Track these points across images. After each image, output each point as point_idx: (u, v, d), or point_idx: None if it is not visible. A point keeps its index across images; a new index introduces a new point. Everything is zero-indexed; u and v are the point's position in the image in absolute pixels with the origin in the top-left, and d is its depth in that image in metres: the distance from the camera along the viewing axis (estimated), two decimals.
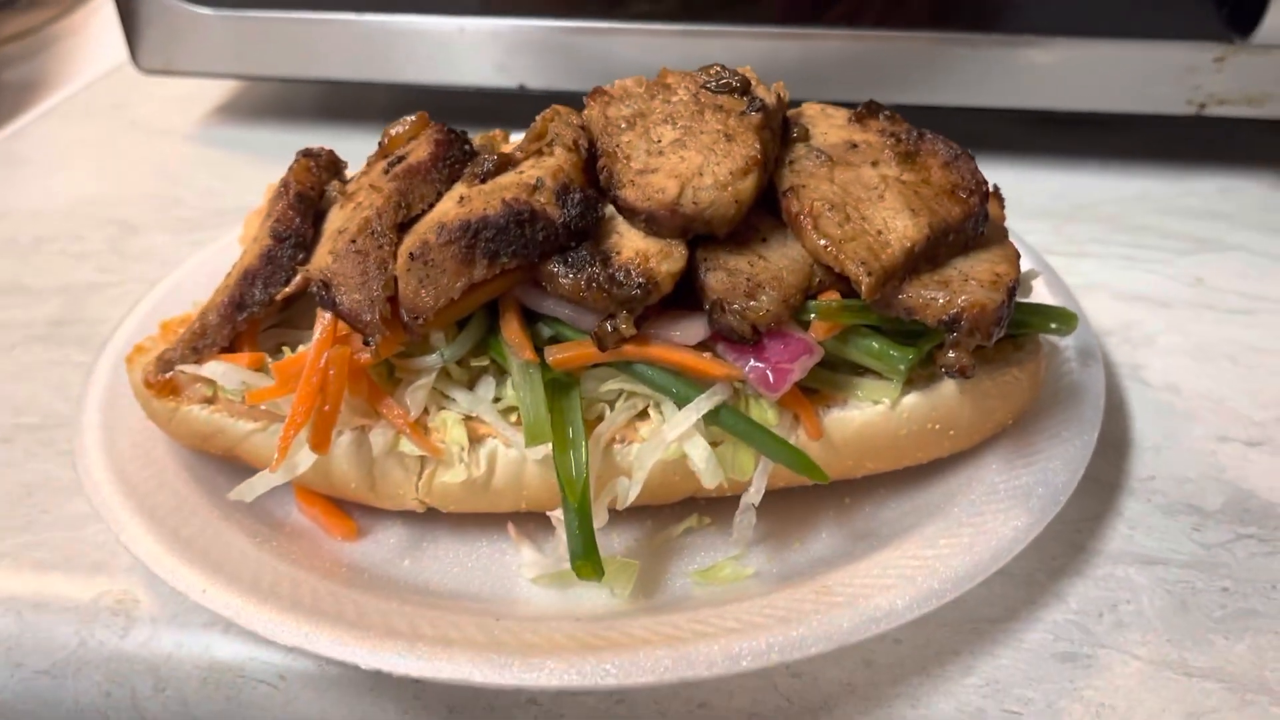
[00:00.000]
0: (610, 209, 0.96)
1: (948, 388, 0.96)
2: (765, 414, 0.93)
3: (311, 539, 0.99)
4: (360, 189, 1.01)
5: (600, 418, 0.96)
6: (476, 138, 1.09)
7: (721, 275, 0.92)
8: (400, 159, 1.00)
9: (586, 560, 0.88)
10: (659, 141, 0.97)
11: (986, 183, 0.98)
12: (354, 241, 0.94)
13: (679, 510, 1.02)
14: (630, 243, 0.93)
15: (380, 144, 1.05)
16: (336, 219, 1.00)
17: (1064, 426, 1.01)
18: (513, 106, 1.63)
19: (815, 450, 0.94)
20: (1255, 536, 0.99)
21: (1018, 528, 0.90)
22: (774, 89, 1.05)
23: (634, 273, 0.90)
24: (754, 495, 0.93)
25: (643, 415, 0.96)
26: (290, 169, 1.04)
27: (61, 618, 0.97)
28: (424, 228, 0.94)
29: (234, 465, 1.03)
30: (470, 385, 0.99)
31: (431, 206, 0.98)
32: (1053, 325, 1.02)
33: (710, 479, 0.91)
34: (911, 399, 0.96)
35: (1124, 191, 1.61)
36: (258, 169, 1.75)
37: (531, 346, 0.93)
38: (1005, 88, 1.57)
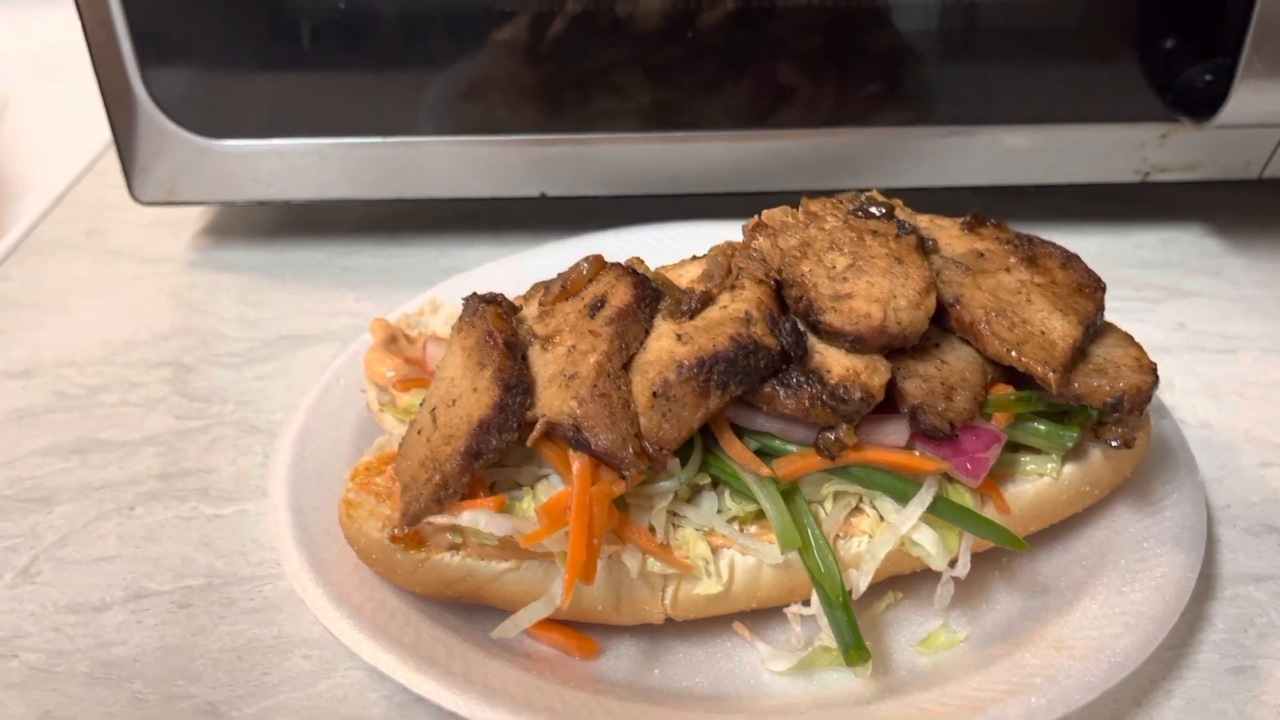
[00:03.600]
0: None
1: (1095, 455, 1.13)
2: (963, 498, 1.07)
3: (563, 663, 1.06)
4: (560, 331, 1.09)
5: (816, 519, 1.07)
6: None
7: (918, 381, 1.06)
8: (601, 302, 1.09)
9: (858, 649, 0.99)
10: (834, 268, 1.10)
11: (1100, 278, 1.16)
12: (595, 386, 1.02)
13: (873, 591, 1.14)
14: (836, 361, 1.05)
15: (563, 286, 1.13)
16: (549, 362, 1.07)
17: (1168, 472, 1.20)
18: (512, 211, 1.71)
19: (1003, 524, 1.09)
20: None
21: (1185, 565, 1.07)
22: (893, 205, 1.20)
23: (852, 387, 1.03)
24: (960, 569, 1.07)
25: (855, 512, 1.09)
26: (483, 317, 1.10)
27: None
28: (655, 368, 1.03)
29: (455, 604, 1.09)
30: (689, 501, 1.08)
31: (641, 345, 1.07)
32: None
33: (940, 562, 1.04)
34: (1069, 468, 1.12)
35: (1085, 250, 1.81)
36: (281, 292, 1.75)
37: (762, 463, 1.04)
38: (967, 168, 1.78)
